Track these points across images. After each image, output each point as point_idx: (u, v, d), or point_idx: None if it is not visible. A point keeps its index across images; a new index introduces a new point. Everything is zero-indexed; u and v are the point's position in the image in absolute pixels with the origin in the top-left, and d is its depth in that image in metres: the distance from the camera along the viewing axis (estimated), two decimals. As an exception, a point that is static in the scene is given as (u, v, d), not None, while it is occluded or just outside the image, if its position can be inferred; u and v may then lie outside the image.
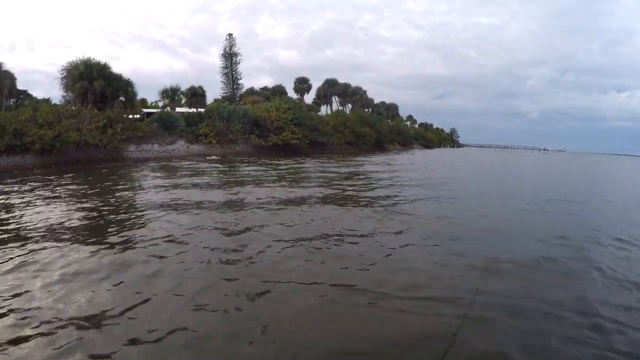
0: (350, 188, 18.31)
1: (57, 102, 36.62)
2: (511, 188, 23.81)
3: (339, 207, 13.31)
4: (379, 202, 14.57)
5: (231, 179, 20.43)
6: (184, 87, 48.39)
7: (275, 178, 21.41)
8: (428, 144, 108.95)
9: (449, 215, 12.50)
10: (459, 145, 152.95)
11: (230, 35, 62.12)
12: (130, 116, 35.36)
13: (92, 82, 32.32)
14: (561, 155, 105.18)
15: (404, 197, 15.94)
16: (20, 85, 45.98)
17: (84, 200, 13.24)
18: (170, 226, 10.03)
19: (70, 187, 16.26)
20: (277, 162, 31.64)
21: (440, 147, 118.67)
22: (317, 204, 13.86)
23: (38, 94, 52.47)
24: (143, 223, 10.28)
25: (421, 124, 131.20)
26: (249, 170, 24.75)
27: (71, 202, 12.79)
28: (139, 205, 12.64)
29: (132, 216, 11.06)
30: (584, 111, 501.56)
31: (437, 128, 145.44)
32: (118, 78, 35.16)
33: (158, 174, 21.85)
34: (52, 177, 19.01)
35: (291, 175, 23.17)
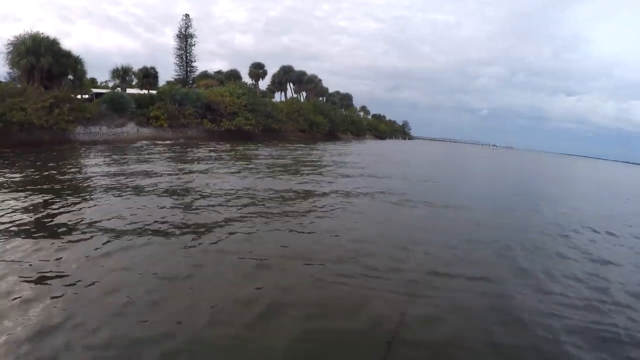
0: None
1: (2, 80, 35.02)
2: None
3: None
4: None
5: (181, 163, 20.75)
6: (136, 68, 47.25)
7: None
8: (380, 135, 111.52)
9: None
10: (410, 138, 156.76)
11: (186, 15, 60.75)
12: (79, 96, 34.48)
13: (40, 58, 31.17)
14: (511, 152, 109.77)
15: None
16: (-38, 61, 43.45)
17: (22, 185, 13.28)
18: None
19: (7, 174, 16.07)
20: (227, 148, 31.75)
21: (392, 138, 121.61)
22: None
23: (-19, 69, 49.59)
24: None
25: (374, 115, 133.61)
26: (200, 155, 24.99)
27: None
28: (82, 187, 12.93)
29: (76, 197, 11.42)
30: (532, 111, 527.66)
31: (390, 120, 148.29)
32: (67, 55, 33.96)
33: (104, 157, 21.69)
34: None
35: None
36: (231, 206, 11.20)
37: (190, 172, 17.23)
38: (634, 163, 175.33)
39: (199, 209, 10.70)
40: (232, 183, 14.92)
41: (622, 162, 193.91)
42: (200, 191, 13.00)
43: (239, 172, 17.97)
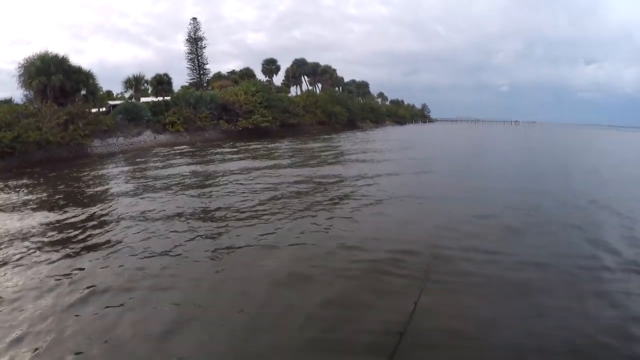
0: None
1: (20, 102, 35.24)
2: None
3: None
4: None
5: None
6: (150, 76, 47.35)
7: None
8: (400, 120, 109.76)
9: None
10: (430, 121, 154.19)
11: (194, 19, 60.55)
12: (95, 110, 34.45)
13: (51, 77, 31.22)
14: (535, 127, 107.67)
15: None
16: (-21, 87, 44.19)
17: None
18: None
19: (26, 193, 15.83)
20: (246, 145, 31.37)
21: (412, 123, 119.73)
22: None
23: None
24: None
25: (392, 101, 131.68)
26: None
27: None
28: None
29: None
30: (553, 83, 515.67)
31: (408, 104, 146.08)
32: (77, 71, 33.91)
33: (122, 167, 21.60)
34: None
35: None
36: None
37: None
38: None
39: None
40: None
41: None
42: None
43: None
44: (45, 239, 8.82)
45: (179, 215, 10.48)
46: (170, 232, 9.03)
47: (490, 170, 20.50)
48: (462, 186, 15.03)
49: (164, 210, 10.96)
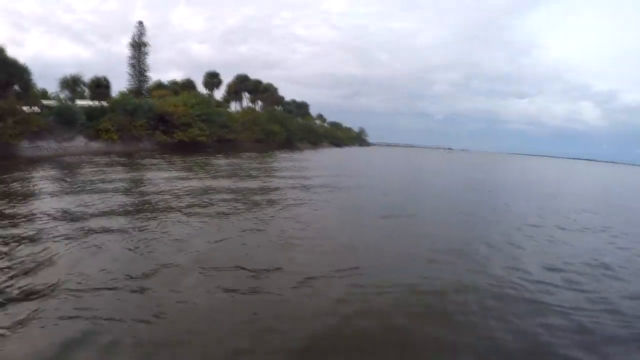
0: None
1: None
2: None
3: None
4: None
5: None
6: (90, 78, 46.55)
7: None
8: (338, 143, 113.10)
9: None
10: (367, 144, 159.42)
11: (140, 23, 59.72)
12: (25, 108, 33.50)
13: (-18, 67, 30.32)
14: (466, 155, 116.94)
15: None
16: None
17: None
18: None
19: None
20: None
21: (349, 145, 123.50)
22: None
23: None
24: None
25: (331, 123, 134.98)
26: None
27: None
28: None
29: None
30: (486, 114, 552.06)
31: (347, 127, 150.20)
32: (12, 64, 32.90)
33: (52, 172, 21.66)
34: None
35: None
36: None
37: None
38: (586, 159, 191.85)
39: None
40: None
41: (573, 158, 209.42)
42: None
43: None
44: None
45: (101, 215, 11.54)
46: (88, 230, 9.95)
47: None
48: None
49: (88, 212, 11.88)
